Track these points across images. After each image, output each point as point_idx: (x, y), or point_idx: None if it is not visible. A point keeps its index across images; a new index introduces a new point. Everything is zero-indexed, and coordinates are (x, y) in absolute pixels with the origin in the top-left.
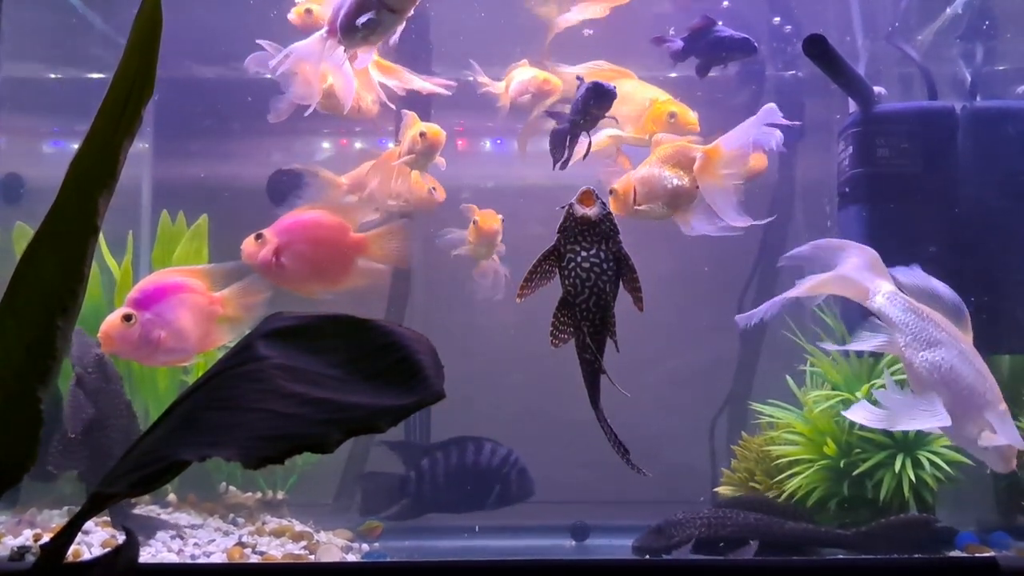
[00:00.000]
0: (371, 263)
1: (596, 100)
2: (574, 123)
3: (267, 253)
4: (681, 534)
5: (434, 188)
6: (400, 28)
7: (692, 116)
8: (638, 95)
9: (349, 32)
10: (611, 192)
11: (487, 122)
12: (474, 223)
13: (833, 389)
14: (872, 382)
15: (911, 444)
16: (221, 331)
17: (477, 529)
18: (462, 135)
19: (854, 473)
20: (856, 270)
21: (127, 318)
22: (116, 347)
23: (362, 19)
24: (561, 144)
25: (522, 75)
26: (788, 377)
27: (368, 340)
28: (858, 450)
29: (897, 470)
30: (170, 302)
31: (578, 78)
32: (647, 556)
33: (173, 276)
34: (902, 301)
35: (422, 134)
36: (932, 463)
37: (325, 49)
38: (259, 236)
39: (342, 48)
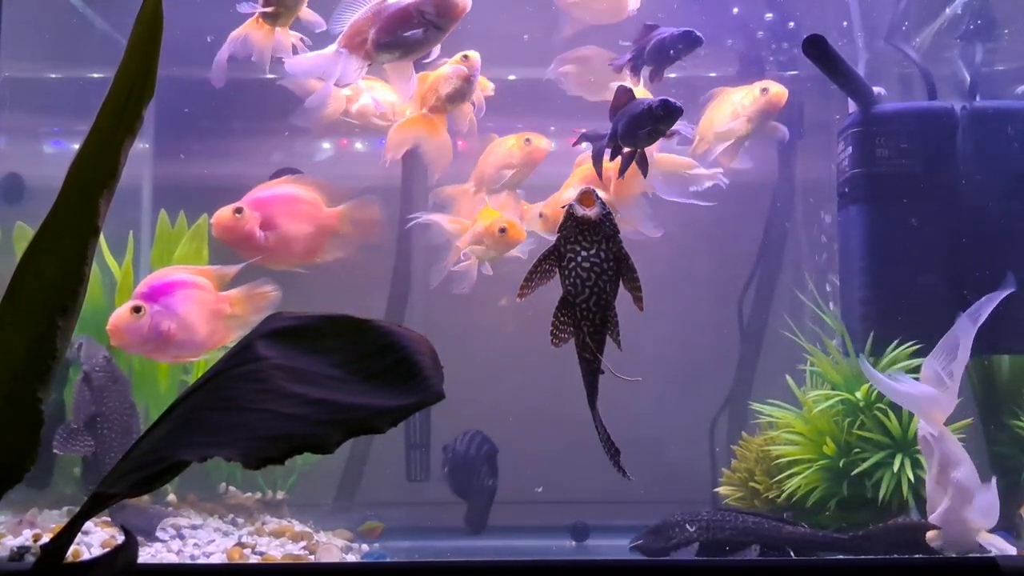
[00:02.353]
0: (343, 237)
1: (663, 117)
2: (631, 139)
3: (251, 227)
4: (679, 536)
5: (528, 139)
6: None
7: None
8: None
9: (387, 47)
10: (540, 216)
11: (487, 122)
12: (501, 231)
13: (832, 389)
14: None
15: (910, 444)
16: (228, 330)
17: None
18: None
19: (853, 473)
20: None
21: (136, 309)
22: (125, 339)
23: (409, 33)
24: (601, 159)
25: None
26: (788, 377)
27: (368, 340)
28: (857, 450)
29: (896, 470)
30: (178, 296)
31: (624, 88)
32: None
33: (180, 272)
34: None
35: (464, 56)
36: None
37: (340, 64)
38: (239, 210)
39: (357, 63)
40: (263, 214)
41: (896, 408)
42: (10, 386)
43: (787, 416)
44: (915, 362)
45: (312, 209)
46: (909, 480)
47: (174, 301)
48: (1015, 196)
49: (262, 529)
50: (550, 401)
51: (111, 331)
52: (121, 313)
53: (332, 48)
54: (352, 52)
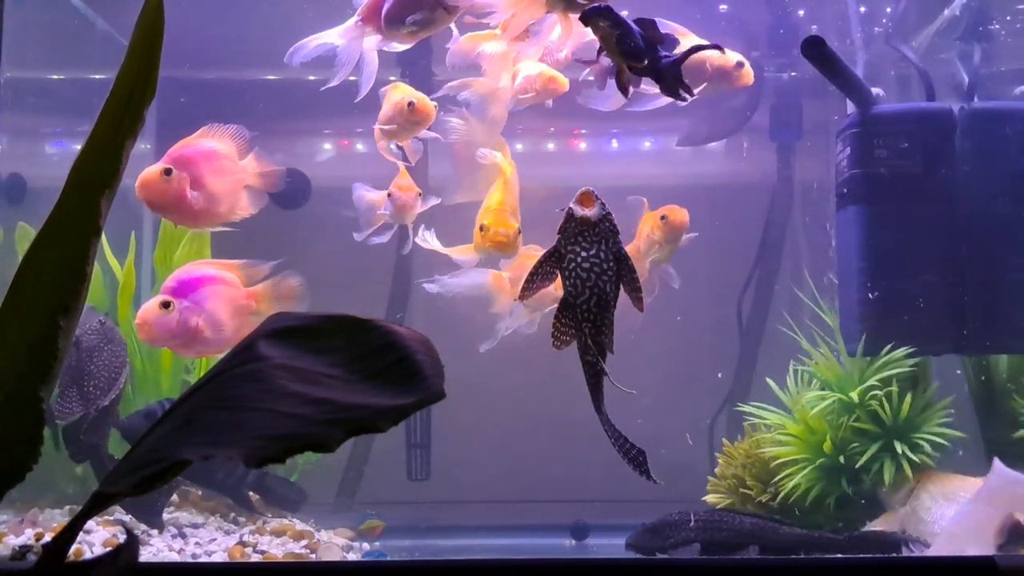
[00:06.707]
0: (255, 190)
1: None
2: None
3: (183, 188)
4: (676, 536)
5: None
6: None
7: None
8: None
9: (395, 25)
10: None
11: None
12: (663, 219)
13: (822, 389)
14: (866, 384)
15: (903, 430)
16: (254, 326)
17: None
18: None
19: (857, 467)
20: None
21: (165, 305)
22: (154, 334)
23: (412, 18)
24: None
25: (529, 69)
26: (770, 381)
27: (369, 340)
28: (854, 444)
29: (900, 452)
30: (207, 291)
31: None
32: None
33: (208, 267)
34: None
35: None
36: (931, 444)
37: (362, 37)
38: (168, 171)
39: (377, 38)
40: (190, 173)
41: (889, 398)
42: (12, 385)
43: (779, 418)
44: (912, 362)
45: (231, 164)
46: (911, 462)
47: (202, 297)
48: (1013, 197)
49: (263, 528)
50: (550, 400)
51: (139, 325)
52: (150, 308)
53: (351, 21)
54: (367, 25)
